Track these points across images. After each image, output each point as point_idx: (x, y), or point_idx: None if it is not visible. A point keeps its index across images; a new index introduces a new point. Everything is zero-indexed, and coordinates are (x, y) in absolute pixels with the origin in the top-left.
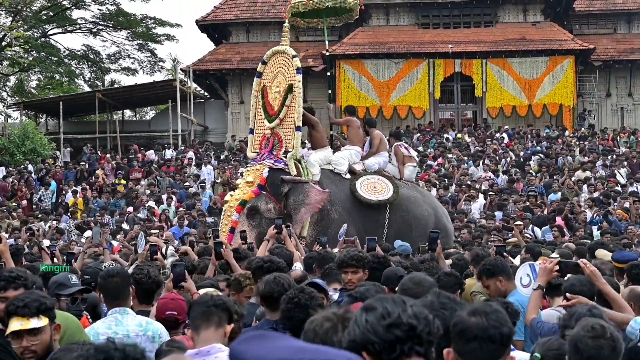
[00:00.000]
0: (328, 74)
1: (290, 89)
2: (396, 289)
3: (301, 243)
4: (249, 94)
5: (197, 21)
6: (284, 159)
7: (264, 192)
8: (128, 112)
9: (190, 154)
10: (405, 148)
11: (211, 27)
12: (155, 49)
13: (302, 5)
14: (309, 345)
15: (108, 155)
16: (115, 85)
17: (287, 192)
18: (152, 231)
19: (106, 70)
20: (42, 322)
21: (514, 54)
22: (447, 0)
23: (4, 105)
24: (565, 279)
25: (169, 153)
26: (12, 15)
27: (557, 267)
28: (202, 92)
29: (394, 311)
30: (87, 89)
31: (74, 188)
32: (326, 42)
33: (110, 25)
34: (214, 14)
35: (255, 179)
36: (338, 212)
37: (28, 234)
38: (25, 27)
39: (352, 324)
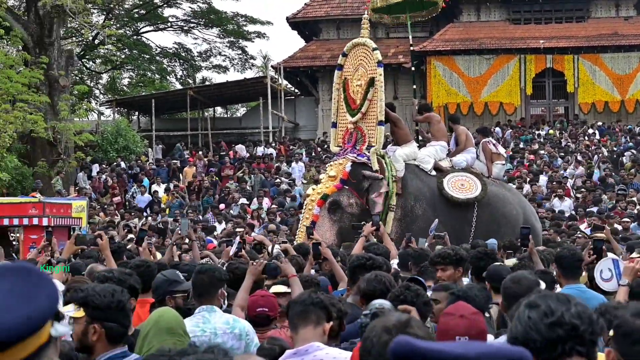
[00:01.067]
0: (412, 69)
1: (372, 82)
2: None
3: None
4: None
5: (287, 18)
6: (367, 153)
7: (347, 187)
8: (219, 109)
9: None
10: (494, 145)
11: (302, 24)
12: (246, 46)
13: (380, 1)
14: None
15: (200, 153)
16: (207, 83)
17: (368, 188)
18: (238, 229)
19: (197, 67)
20: (76, 312)
21: (606, 49)
22: None
23: (97, 103)
24: None
25: (260, 150)
26: (105, 13)
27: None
28: (293, 89)
29: (558, 309)
30: (178, 86)
31: (166, 185)
32: (410, 38)
33: (202, 23)
34: (305, 10)
35: (338, 173)
36: (423, 208)
37: (125, 230)
38: (118, 25)
39: (515, 320)
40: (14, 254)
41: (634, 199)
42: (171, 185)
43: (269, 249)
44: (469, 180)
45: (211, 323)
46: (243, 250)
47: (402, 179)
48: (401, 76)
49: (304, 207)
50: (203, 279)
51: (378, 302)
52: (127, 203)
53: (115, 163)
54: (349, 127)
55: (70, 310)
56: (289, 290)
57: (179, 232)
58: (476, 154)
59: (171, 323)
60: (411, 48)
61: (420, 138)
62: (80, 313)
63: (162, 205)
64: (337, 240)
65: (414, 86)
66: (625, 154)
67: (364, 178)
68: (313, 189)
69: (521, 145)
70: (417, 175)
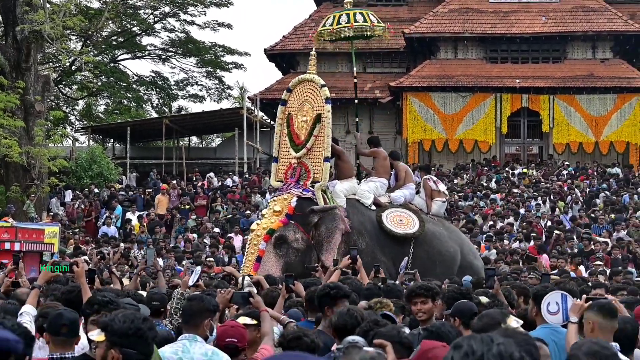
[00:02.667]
0: (356, 101)
1: (318, 118)
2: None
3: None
4: None
5: (265, 50)
6: (311, 188)
7: (292, 222)
8: (194, 139)
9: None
10: (434, 182)
11: (279, 56)
12: (223, 76)
13: (327, 34)
14: None
15: (174, 182)
16: (183, 112)
17: (318, 222)
18: (209, 259)
19: (174, 96)
20: (97, 337)
21: (582, 91)
22: (515, 35)
23: (72, 129)
24: None
25: (230, 181)
26: (83, 40)
27: (589, 304)
28: (269, 120)
29: (478, 350)
30: (154, 114)
31: (139, 213)
32: (354, 70)
33: (179, 52)
34: (282, 43)
35: (283, 208)
36: (365, 242)
37: (99, 257)
38: (96, 52)
39: None
40: None
41: (607, 240)
42: (144, 214)
43: (239, 280)
44: (407, 216)
45: (190, 353)
46: (201, 281)
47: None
48: (377, 111)
49: (249, 242)
50: (191, 306)
51: (351, 338)
52: (97, 230)
53: (87, 190)
54: (292, 162)
55: (94, 334)
56: (255, 322)
57: (145, 262)
58: (416, 190)
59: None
60: (355, 80)
61: (362, 172)
62: (102, 337)
63: (135, 233)
64: (282, 275)
65: (357, 119)
66: (599, 195)
67: (312, 213)
68: (258, 224)
69: (492, 185)
70: (358, 210)
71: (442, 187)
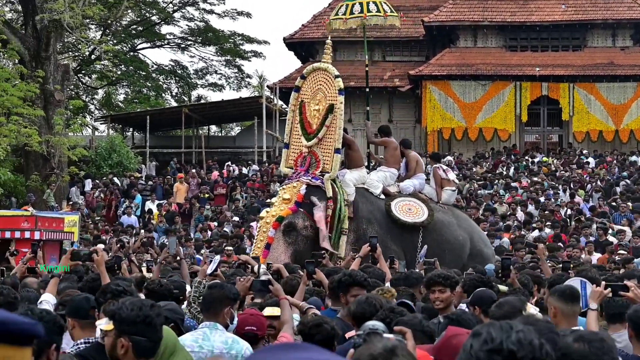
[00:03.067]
0: (367, 89)
1: (331, 109)
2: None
3: (337, 262)
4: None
5: (284, 39)
6: (320, 177)
7: (301, 209)
8: (214, 128)
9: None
10: (444, 171)
11: (298, 45)
12: (243, 65)
13: (340, 23)
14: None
15: (193, 171)
16: (202, 101)
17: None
18: (227, 248)
19: (193, 85)
20: (106, 325)
21: (602, 79)
22: (535, 23)
23: (91, 118)
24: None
25: (251, 169)
26: (102, 29)
27: (608, 290)
28: (288, 109)
29: (497, 337)
30: (174, 103)
31: (158, 202)
32: (366, 57)
33: (199, 41)
34: (301, 32)
35: (292, 196)
36: (375, 231)
37: (119, 245)
38: (115, 41)
39: (462, 350)
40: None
41: (625, 228)
42: (163, 202)
43: (255, 268)
44: (416, 205)
45: (210, 341)
46: (219, 270)
47: (354, 202)
48: (397, 99)
49: (258, 229)
50: (212, 294)
51: (371, 324)
52: (117, 219)
53: (107, 178)
54: (302, 151)
55: (102, 323)
56: (279, 314)
57: (167, 250)
58: (427, 179)
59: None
60: (367, 67)
61: (372, 161)
62: (110, 326)
63: (153, 222)
64: (291, 262)
65: (367, 108)
66: (620, 184)
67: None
68: (267, 212)
69: (511, 173)
70: (367, 199)
71: (452, 175)
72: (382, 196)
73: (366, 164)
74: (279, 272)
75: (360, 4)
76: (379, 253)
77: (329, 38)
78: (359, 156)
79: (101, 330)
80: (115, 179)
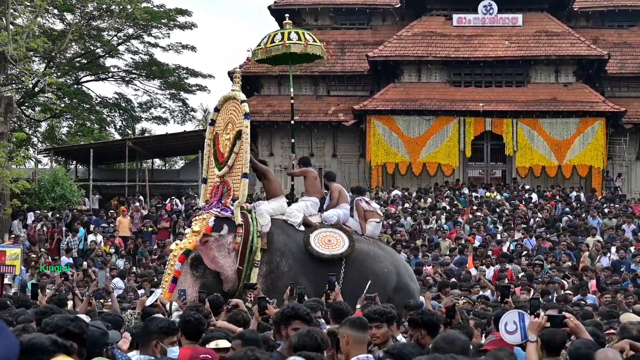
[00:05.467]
0: (292, 122)
1: (239, 135)
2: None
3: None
4: (278, 147)
5: (229, 72)
6: (231, 207)
7: None
8: (158, 161)
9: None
10: (367, 202)
11: (243, 79)
12: (187, 98)
13: (261, 52)
14: None
15: (136, 204)
16: (146, 134)
17: None
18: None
19: (137, 118)
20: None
21: (545, 115)
22: (479, 59)
23: (34, 151)
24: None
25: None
26: (46, 61)
27: (547, 322)
28: None
29: None
30: (117, 136)
31: (102, 235)
32: (291, 90)
33: (143, 74)
34: (246, 66)
35: (201, 228)
36: (289, 265)
37: (62, 279)
38: (59, 73)
39: None
40: None
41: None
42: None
43: (167, 306)
44: (337, 236)
45: None
46: (159, 301)
47: (269, 234)
48: (341, 134)
49: (167, 263)
50: (143, 326)
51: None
52: (60, 252)
53: (49, 211)
54: (216, 182)
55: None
56: (230, 345)
57: (96, 284)
58: (350, 211)
59: None
60: (292, 101)
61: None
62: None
63: (98, 252)
64: (199, 296)
65: (292, 140)
66: (562, 219)
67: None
68: (176, 244)
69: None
70: (284, 231)
71: (376, 206)
72: (302, 227)
73: (290, 195)
74: (236, 306)
75: (282, 33)
76: (336, 291)
77: (239, 67)
78: (276, 186)
79: None
80: (57, 215)
